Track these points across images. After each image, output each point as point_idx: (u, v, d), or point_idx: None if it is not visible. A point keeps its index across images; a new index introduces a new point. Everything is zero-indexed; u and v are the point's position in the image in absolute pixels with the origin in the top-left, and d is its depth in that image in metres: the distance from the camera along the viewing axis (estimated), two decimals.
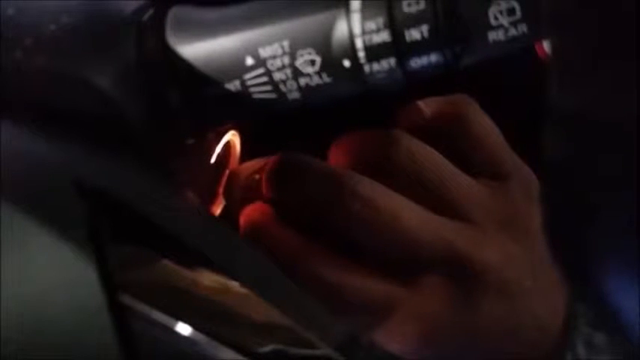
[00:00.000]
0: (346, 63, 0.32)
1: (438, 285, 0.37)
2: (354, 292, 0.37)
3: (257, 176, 0.39)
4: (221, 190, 0.40)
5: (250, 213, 0.39)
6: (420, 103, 0.41)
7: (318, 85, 0.33)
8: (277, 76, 0.33)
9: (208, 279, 0.26)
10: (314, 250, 0.38)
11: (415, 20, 0.32)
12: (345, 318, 0.37)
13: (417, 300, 0.37)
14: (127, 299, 0.24)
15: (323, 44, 0.32)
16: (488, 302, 0.37)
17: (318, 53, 0.32)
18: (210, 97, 0.33)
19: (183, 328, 0.25)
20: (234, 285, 0.26)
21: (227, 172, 0.40)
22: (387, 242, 0.37)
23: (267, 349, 0.25)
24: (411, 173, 0.38)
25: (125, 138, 0.32)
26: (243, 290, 0.26)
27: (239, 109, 0.34)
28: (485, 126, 0.41)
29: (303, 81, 0.33)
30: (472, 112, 0.40)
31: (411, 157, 0.38)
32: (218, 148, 0.38)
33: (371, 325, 0.37)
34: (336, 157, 0.40)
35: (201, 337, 0.25)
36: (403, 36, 0.32)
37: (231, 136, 0.40)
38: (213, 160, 0.38)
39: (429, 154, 0.39)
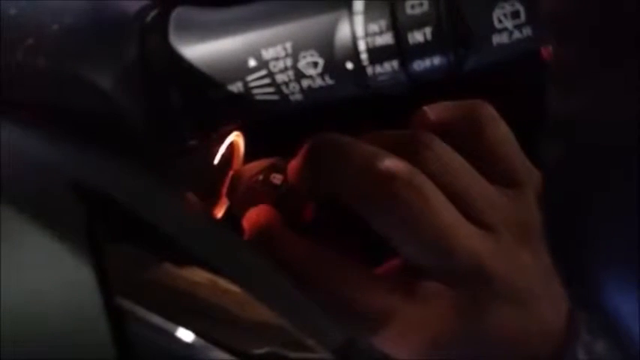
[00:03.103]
0: (349, 65, 0.32)
1: (447, 292, 0.37)
2: (362, 298, 0.36)
3: (261, 177, 0.39)
4: (225, 190, 0.40)
5: (255, 216, 0.39)
6: (434, 108, 0.40)
7: (320, 87, 0.33)
8: (280, 77, 0.33)
9: (206, 281, 0.26)
10: (321, 255, 0.37)
11: (418, 22, 0.31)
12: (351, 324, 0.37)
13: (425, 308, 0.37)
14: (123, 301, 0.24)
15: (326, 46, 0.32)
16: (498, 310, 0.36)
17: (320, 55, 0.32)
18: (212, 99, 0.33)
19: (180, 331, 0.25)
20: (231, 287, 0.26)
21: (231, 172, 0.40)
22: (422, 239, 0.36)
23: (263, 351, 0.25)
24: (441, 179, 0.37)
25: (126, 139, 0.32)
26: (240, 292, 0.26)
27: (241, 110, 0.34)
28: (501, 133, 0.40)
29: (305, 83, 0.33)
30: (488, 118, 0.40)
31: (441, 163, 0.38)
32: (222, 149, 0.38)
33: (378, 331, 0.37)
34: None
35: (197, 340, 0.25)
36: (406, 38, 0.32)
37: (235, 137, 0.40)
38: (216, 161, 0.38)
39: (456, 160, 0.38)
